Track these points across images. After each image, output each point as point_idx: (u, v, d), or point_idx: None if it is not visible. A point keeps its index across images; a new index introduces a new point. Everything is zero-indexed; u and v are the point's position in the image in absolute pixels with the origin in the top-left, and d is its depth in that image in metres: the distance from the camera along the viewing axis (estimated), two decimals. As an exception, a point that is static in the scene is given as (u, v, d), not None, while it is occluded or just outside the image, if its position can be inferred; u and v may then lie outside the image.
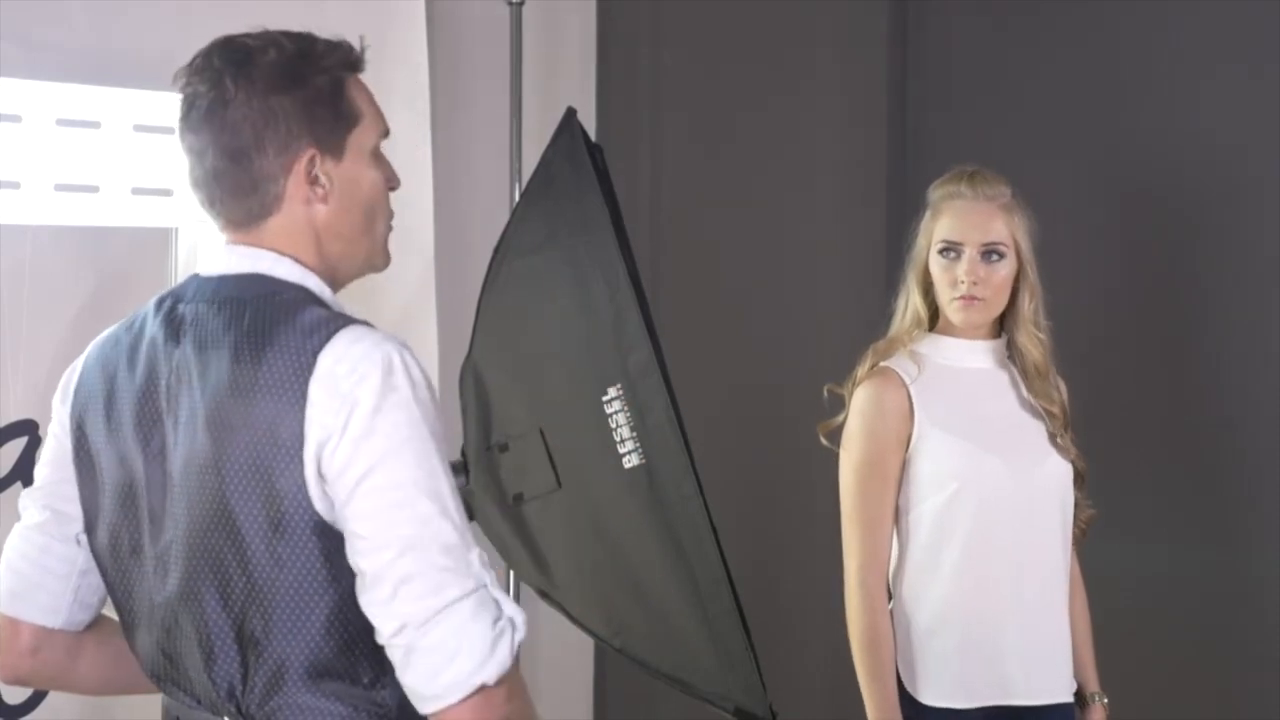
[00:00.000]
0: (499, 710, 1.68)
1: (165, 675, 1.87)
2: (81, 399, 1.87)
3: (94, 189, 2.79)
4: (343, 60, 1.83)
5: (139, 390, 1.81)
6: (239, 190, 1.80)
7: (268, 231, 1.81)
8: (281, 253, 1.81)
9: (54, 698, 2.81)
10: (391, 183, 1.89)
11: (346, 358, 1.70)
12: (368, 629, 1.73)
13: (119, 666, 1.95)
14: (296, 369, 1.70)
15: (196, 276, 1.85)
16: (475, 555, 1.71)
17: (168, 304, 1.83)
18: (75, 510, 1.90)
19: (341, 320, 1.75)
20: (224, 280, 1.81)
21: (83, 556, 1.91)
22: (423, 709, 1.70)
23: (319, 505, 1.70)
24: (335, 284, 1.86)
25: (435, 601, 1.67)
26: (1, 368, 2.79)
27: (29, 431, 2.80)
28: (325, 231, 1.82)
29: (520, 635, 1.70)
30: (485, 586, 1.70)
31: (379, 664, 1.75)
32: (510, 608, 1.70)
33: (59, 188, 2.76)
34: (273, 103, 1.77)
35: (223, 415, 1.72)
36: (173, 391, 1.77)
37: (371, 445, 1.68)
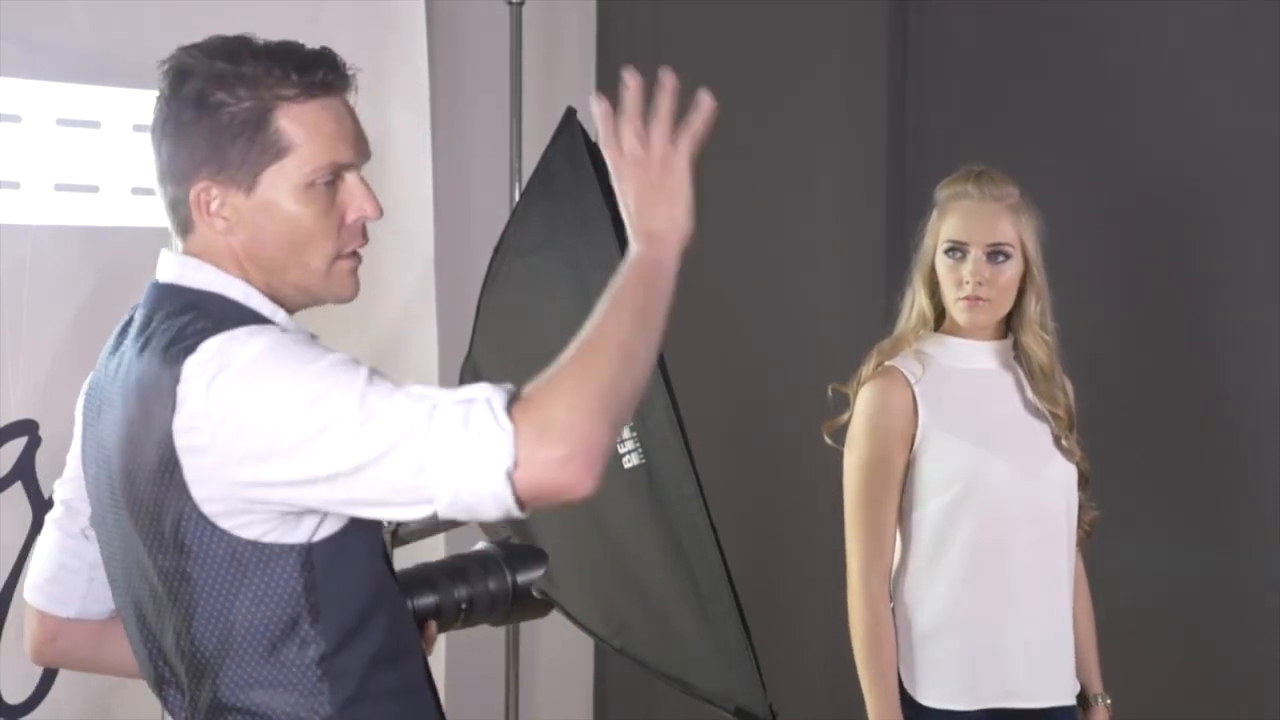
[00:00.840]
0: (554, 461, 1.57)
1: (149, 676, 1.89)
2: (87, 400, 1.88)
3: (94, 189, 2.79)
4: (296, 84, 1.74)
5: (99, 401, 1.82)
6: (165, 205, 1.82)
7: (192, 246, 1.80)
8: (203, 260, 1.78)
9: (54, 697, 2.81)
10: (355, 214, 1.78)
11: (201, 360, 1.66)
12: (295, 637, 1.71)
13: None
14: (168, 380, 1.66)
15: (152, 283, 1.84)
16: (400, 396, 1.59)
17: (131, 312, 1.84)
18: (84, 506, 1.90)
19: (224, 328, 1.68)
20: (155, 289, 1.80)
21: (92, 551, 1.90)
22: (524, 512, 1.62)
23: (211, 511, 1.67)
24: (279, 297, 1.79)
25: (410, 469, 1.58)
26: (1, 368, 2.79)
27: (29, 431, 2.79)
28: (244, 256, 1.77)
29: (498, 399, 1.57)
30: (434, 408, 1.58)
31: (311, 671, 1.73)
32: (470, 393, 1.59)
33: (59, 187, 2.76)
34: (183, 129, 1.75)
35: (121, 431, 1.73)
36: (105, 404, 1.79)
37: (240, 432, 1.62)
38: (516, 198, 3.36)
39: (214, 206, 1.75)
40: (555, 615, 2.82)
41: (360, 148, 1.80)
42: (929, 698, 2.72)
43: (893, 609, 2.75)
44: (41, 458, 2.79)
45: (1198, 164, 3.54)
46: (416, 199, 3.40)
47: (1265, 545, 3.46)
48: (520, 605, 2.22)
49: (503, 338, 3.02)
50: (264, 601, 1.70)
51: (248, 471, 1.64)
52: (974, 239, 2.74)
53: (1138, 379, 3.60)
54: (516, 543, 2.26)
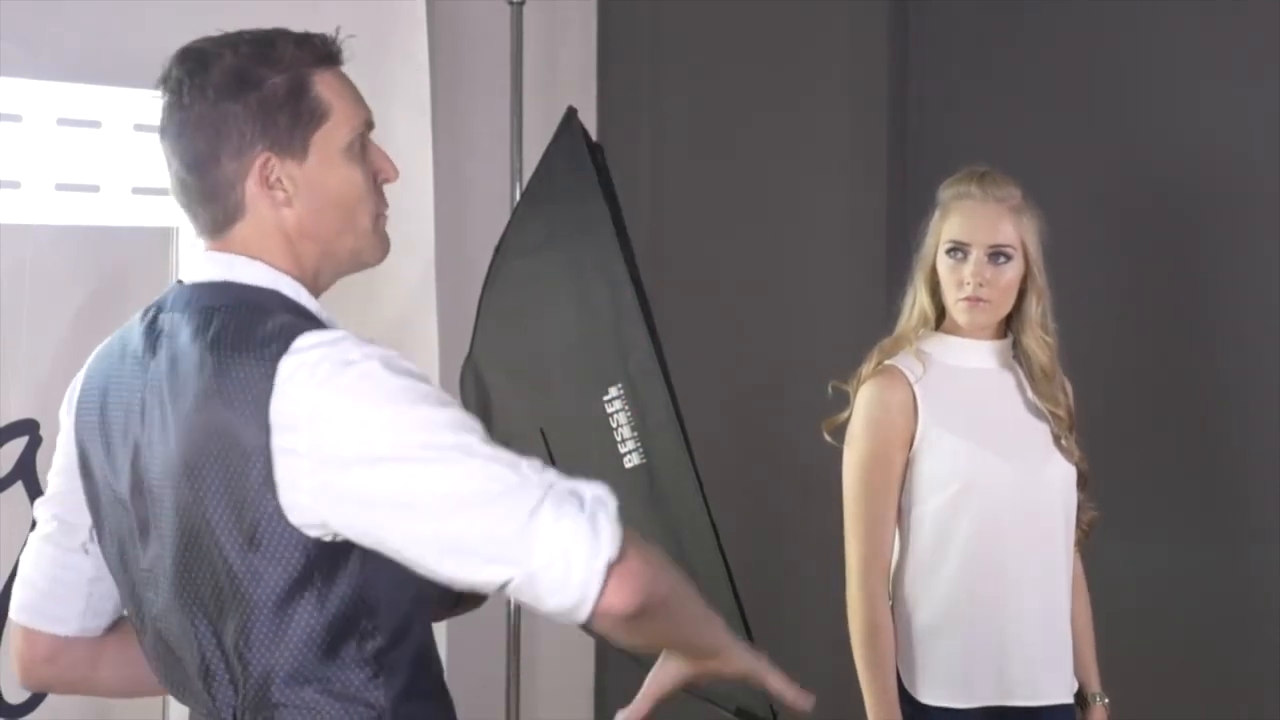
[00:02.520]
0: (641, 576, 1.62)
1: (171, 684, 1.86)
2: (82, 411, 1.86)
3: (94, 189, 2.79)
4: (312, 55, 1.79)
5: (125, 403, 1.79)
6: (203, 198, 1.79)
7: (237, 238, 1.78)
8: (253, 257, 1.78)
9: (55, 697, 2.81)
10: (383, 175, 1.84)
11: (305, 362, 1.65)
12: (355, 633, 1.71)
13: (140, 669, 1.93)
14: (259, 377, 1.66)
15: (179, 284, 1.83)
16: (524, 465, 1.64)
17: (151, 314, 1.82)
18: (82, 520, 1.88)
19: (303, 325, 1.70)
20: (197, 288, 1.78)
21: (91, 565, 1.89)
22: (583, 622, 1.64)
23: (294, 516, 1.66)
24: (318, 284, 1.82)
25: (514, 531, 1.60)
26: (1, 368, 2.79)
27: (29, 431, 2.79)
28: (297, 234, 1.79)
29: (612, 503, 1.63)
30: (551, 487, 1.62)
31: (369, 666, 1.73)
32: (586, 488, 1.64)
33: (59, 187, 2.76)
34: (223, 109, 1.75)
35: (191, 429, 1.69)
36: (148, 405, 1.75)
37: (345, 438, 1.63)
38: (517, 198, 3.36)
39: (274, 178, 1.76)
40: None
41: (370, 112, 1.85)
42: (928, 695, 2.72)
43: (891, 607, 2.75)
44: (42, 458, 2.78)
45: (1199, 164, 3.54)
46: (416, 199, 3.40)
47: (1265, 545, 3.46)
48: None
49: (503, 338, 3.02)
50: (329, 599, 1.70)
51: (346, 479, 1.63)
52: (975, 239, 2.74)
53: (1137, 379, 3.60)
54: None
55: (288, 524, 1.67)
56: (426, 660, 1.80)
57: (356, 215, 1.81)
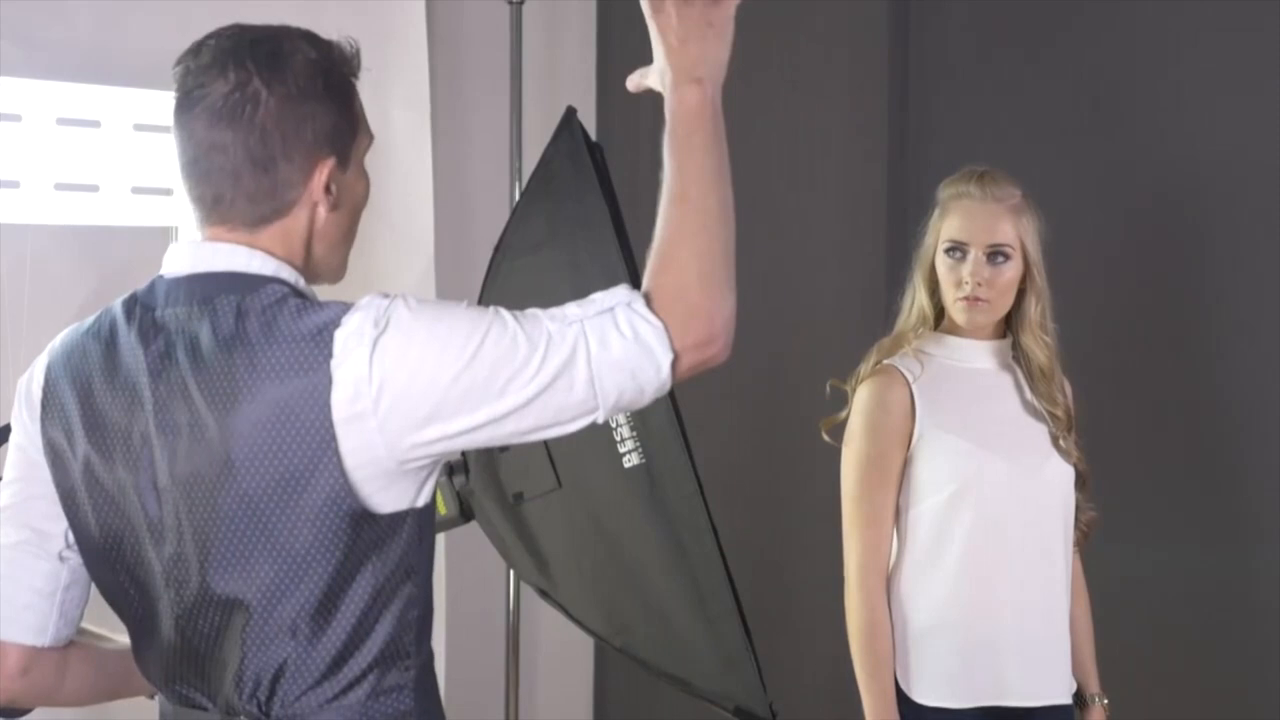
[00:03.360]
0: (700, 344, 1.76)
1: (181, 679, 1.83)
2: (54, 415, 1.81)
3: (94, 188, 2.80)
4: (352, 65, 1.80)
5: (126, 401, 1.76)
6: (258, 194, 1.75)
7: (266, 233, 1.77)
8: (254, 248, 1.76)
9: (54, 697, 2.81)
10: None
11: (351, 332, 1.67)
12: (391, 607, 1.74)
13: (101, 675, 1.94)
14: (315, 359, 1.66)
15: (162, 279, 1.79)
16: (547, 323, 1.69)
17: (139, 312, 1.78)
18: (55, 527, 1.85)
19: (332, 304, 1.71)
20: (197, 280, 1.76)
21: (66, 572, 1.87)
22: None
23: (363, 491, 1.69)
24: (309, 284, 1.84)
25: (580, 382, 1.68)
26: (2, 368, 2.79)
27: (29, 431, 2.79)
28: (317, 235, 1.79)
29: (638, 301, 1.71)
30: (582, 322, 1.70)
31: (401, 637, 1.76)
32: (607, 301, 1.71)
33: (59, 187, 2.76)
34: (306, 109, 1.72)
35: (239, 422, 1.68)
36: (164, 404, 1.73)
37: (409, 368, 1.66)
38: (516, 197, 3.36)
39: (331, 184, 1.77)
40: (555, 615, 2.82)
41: None
42: (925, 695, 2.72)
43: (889, 606, 2.75)
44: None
45: (1199, 165, 3.54)
46: (416, 199, 3.40)
47: (1265, 546, 3.45)
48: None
49: (503, 337, 3.01)
50: (379, 573, 1.73)
51: (423, 431, 1.68)
52: (974, 239, 2.74)
53: (1137, 380, 3.60)
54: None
55: (354, 495, 1.69)
56: (428, 635, 1.84)
57: (355, 226, 1.85)
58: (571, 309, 1.71)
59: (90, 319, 1.84)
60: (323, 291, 1.83)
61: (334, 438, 1.66)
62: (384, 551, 1.73)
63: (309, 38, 1.78)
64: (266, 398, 1.67)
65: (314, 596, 1.72)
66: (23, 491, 1.86)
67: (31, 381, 1.86)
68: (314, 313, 1.70)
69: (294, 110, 1.73)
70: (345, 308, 1.70)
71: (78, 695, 1.96)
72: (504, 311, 1.71)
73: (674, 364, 1.71)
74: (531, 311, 1.71)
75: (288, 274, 1.77)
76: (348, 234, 1.84)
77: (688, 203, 1.79)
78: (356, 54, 1.81)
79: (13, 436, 1.87)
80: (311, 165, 1.75)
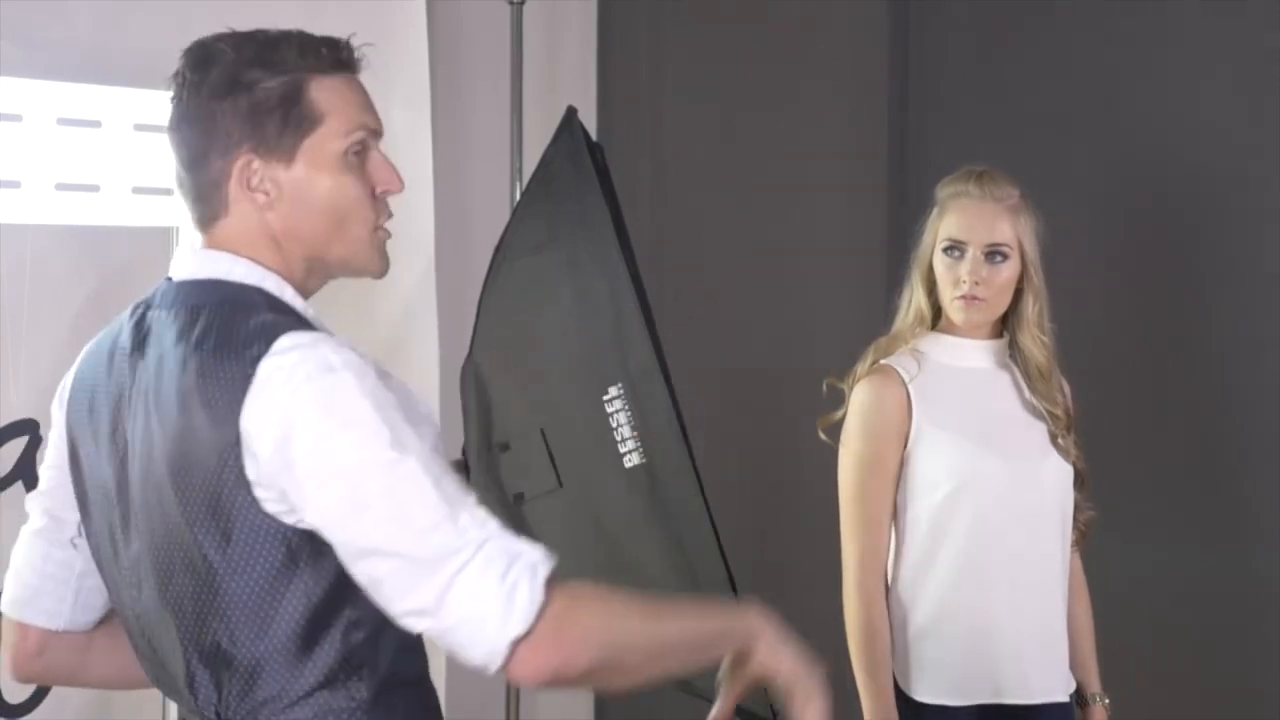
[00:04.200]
0: (547, 654, 1.62)
1: (157, 681, 1.88)
2: (73, 407, 1.87)
3: (95, 188, 2.79)
4: (317, 61, 1.79)
5: (113, 399, 1.81)
6: (196, 195, 1.81)
7: (222, 234, 1.80)
8: (239, 254, 1.79)
9: (55, 697, 2.81)
10: (384, 186, 1.83)
11: (283, 365, 1.66)
12: (338, 622, 1.72)
13: (132, 662, 1.94)
14: (238, 379, 1.67)
15: (167, 280, 1.84)
16: (465, 517, 1.64)
17: (140, 311, 1.83)
18: (71, 515, 1.90)
19: (283, 326, 1.71)
20: (183, 286, 1.80)
21: (80, 560, 1.91)
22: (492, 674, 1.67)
23: (270, 508, 1.68)
24: (306, 285, 1.83)
25: (437, 584, 1.62)
26: (2, 368, 2.79)
27: (29, 431, 2.79)
28: (283, 236, 1.79)
29: (543, 569, 1.63)
30: (486, 542, 1.63)
31: (351, 656, 1.73)
32: (520, 547, 1.64)
33: (60, 187, 2.76)
34: (213, 108, 1.77)
35: (172, 425, 1.71)
36: (135, 404, 1.77)
37: (309, 445, 1.64)
38: (517, 198, 3.36)
39: (255, 180, 1.77)
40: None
41: (379, 121, 1.84)
42: (923, 693, 2.73)
43: (887, 605, 2.75)
44: (42, 457, 2.78)
45: (1198, 165, 3.54)
46: (417, 200, 3.40)
47: (1264, 545, 3.46)
48: None
49: (503, 338, 3.02)
50: (314, 589, 1.71)
51: (309, 486, 1.65)
52: (972, 239, 2.74)
53: (1136, 379, 3.60)
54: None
55: (264, 515, 1.68)
56: (414, 646, 1.80)
57: (348, 224, 1.81)
58: (493, 524, 1.66)
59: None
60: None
61: (240, 460, 1.67)
62: (314, 568, 1.70)
63: (254, 38, 1.79)
64: (193, 413, 1.69)
65: (240, 613, 1.72)
66: (51, 479, 1.93)
67: (68, 374, 1.92)
68: (260, 334, 1.70)
69: (205, 109, 1.77)
70: (283, 333, 1.69)
71: (104, 678, 2.00)
72: (438, 464, 1.67)
73: (517, 644, 1.61)
74: (462, 491, 1.67)
75: (271, 282, 1.79)
76: (327, 234, 1.80)
77: (658, 612, 1.74)
78: (337, 50, 1.80)
79: (51, 427, 1.94)
80: (227, 162, 1.78)
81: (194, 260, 1.81)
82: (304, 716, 1.73)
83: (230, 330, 1.71)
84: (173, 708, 2.81)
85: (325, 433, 1.64)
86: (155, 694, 2.80)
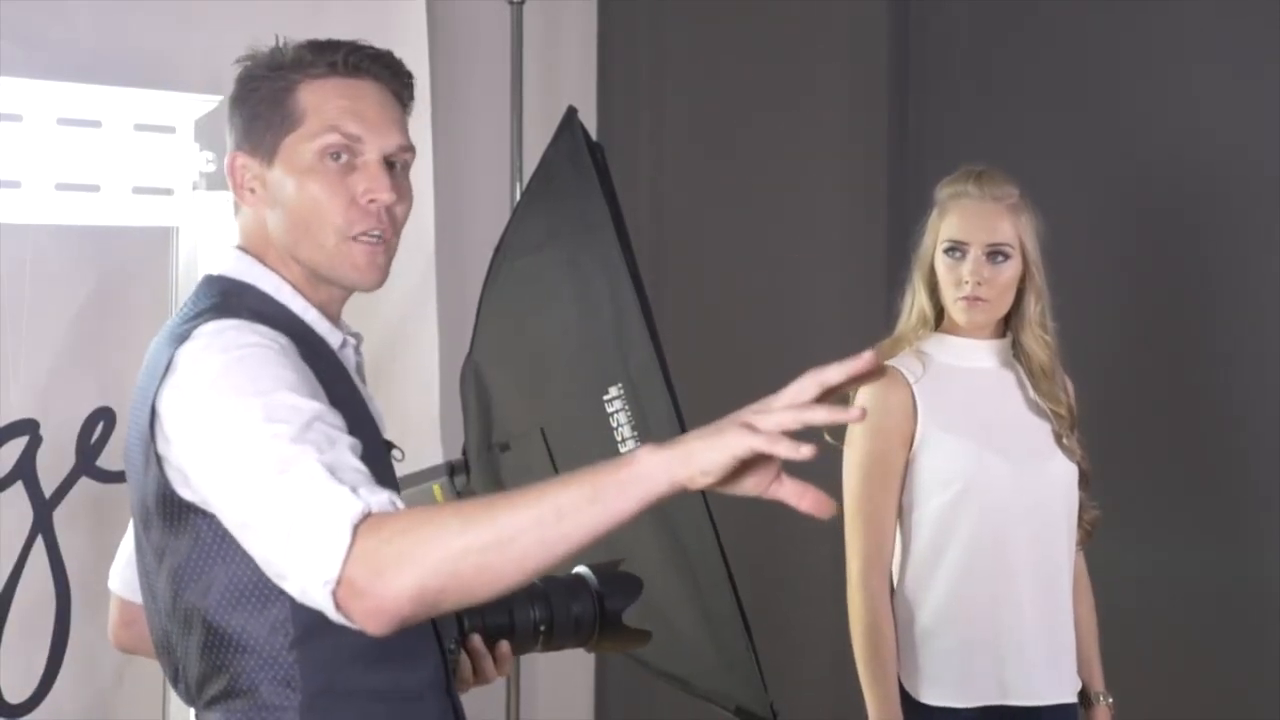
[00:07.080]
0: (363, 595, 1.52)
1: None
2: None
3: (95, 188, 2.79)
4: (311, 64, 1.81)
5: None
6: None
7: (240, 230, 1.87)
8: (246, 251, 1.85)
9: (54, 697, 2.81)
10: (368, 194, 1.81)
11: (194, 349, 1.70)
12: (266, 605, 1.71)
13: None
14: (164, 364, 1.71)
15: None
16: (299, 475, 1.57)
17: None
18: None
19: (212, 315, 1.72)
20: (202, 280, 1.88)
21: None
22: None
23: (182, 491, 1.71)
24: (314, 288, 1.83)
25: (273, 547, 1.60)
26: (2, 368, 2.79)
27: (29, 431, 2.79)
28: (272, 231, 1.83)
29: (349, 514, 1.53)
30: (308, 499, 1.56)
31: (285, 650, 1.73)
32: (336, 500, 1.54)
33: (60, 187, 2.76)
34: (231, 111, 1.86)
35: (137, 412, 1.78)
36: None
37: (191, 421, 1.67)
38: (517, 198, 3.36)
39: (244, 178, 1.82)
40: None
41: (382, 131, 1.84)
42: (928, 695, 2.72)
43: (892, 607, 2.75)
44: (42, 458, 2.79)
45: (1198, 164, 3.54)
46: (417, 199, 3.39)
47: (1266, 545, 3.46)
48: (610, 633, 2.16)
49: (503, 337, 3.01)
50: (240, 575, 1.71)
51: (190, 469, 1.69)
52: (973, 239, 2.74)
53: (1138, 378, 3.60)
54: (617, 571, 2.24)
55: (180, 499, 1.71)
56: (383, 660, 1.76)
57: (312, 229, 1.80)
58: (357, 474, 1.59)
59: None
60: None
61: (155, 444, 1.71)
62: (239, 555, 1.69)
63: (279, 46, 1.84)
64: (138, 400, 1.76)
65: (173, 590, 1.75)
66: None
67: None
68: (193, 322, 1.73)
69: (230, 109, 1.86)
70: (206, 323, 1.72)
71: None
72: (289, 435, 1.61)
73: (334, 590, 1.53)
74: (323, 447, 1.60)
75: (267, 281, 1.81)
76: (295, 236, 1.80)
77: (491, 511, 1.52)
78: (335, 51, 1.81)
79: None
80: (231, 158, 1.85)
81: (221, 256, 1.87)
82: (240, 709, 1.74)
83: (178, 322, 1.76)
84: (173, 706, 2.82)
85: (205, 408, 1.66)
86: (155, 694, 2.81)
